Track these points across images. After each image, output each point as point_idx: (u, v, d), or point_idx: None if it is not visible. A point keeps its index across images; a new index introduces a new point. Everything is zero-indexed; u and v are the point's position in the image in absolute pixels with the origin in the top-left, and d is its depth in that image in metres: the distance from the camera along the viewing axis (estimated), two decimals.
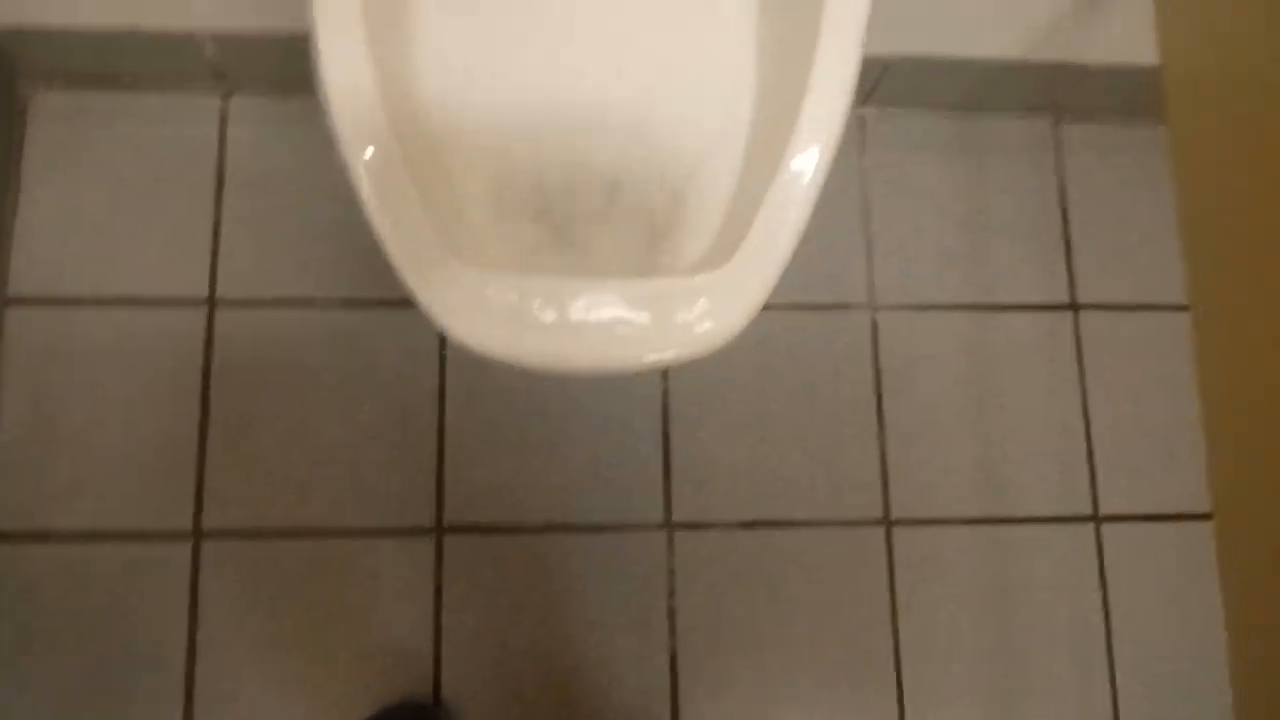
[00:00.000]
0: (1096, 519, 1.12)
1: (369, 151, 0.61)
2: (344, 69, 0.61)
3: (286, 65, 1.03)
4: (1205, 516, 1.12)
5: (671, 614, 1.05)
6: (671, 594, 1.05)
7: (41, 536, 1.00)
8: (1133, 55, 1.05)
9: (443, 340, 1.07)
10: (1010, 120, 1.19)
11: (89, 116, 1.08)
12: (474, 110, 0.72)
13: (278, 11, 0.98)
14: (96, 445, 1.02)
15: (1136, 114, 1.18)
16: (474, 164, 0.71)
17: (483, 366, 1.05)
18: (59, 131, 1.08)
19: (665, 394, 1.09)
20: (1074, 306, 1.16)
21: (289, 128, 1.10)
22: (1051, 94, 1.16)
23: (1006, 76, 1.11)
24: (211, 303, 1.05)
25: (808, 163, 0.63)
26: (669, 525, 1.07)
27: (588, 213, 0.73)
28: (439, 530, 1.04)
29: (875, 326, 1.13)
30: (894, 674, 1.06)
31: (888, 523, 1.09)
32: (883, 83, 1.12)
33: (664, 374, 1.09)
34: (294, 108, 1.10)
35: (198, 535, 1.02)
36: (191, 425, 1.03)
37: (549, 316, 0.61)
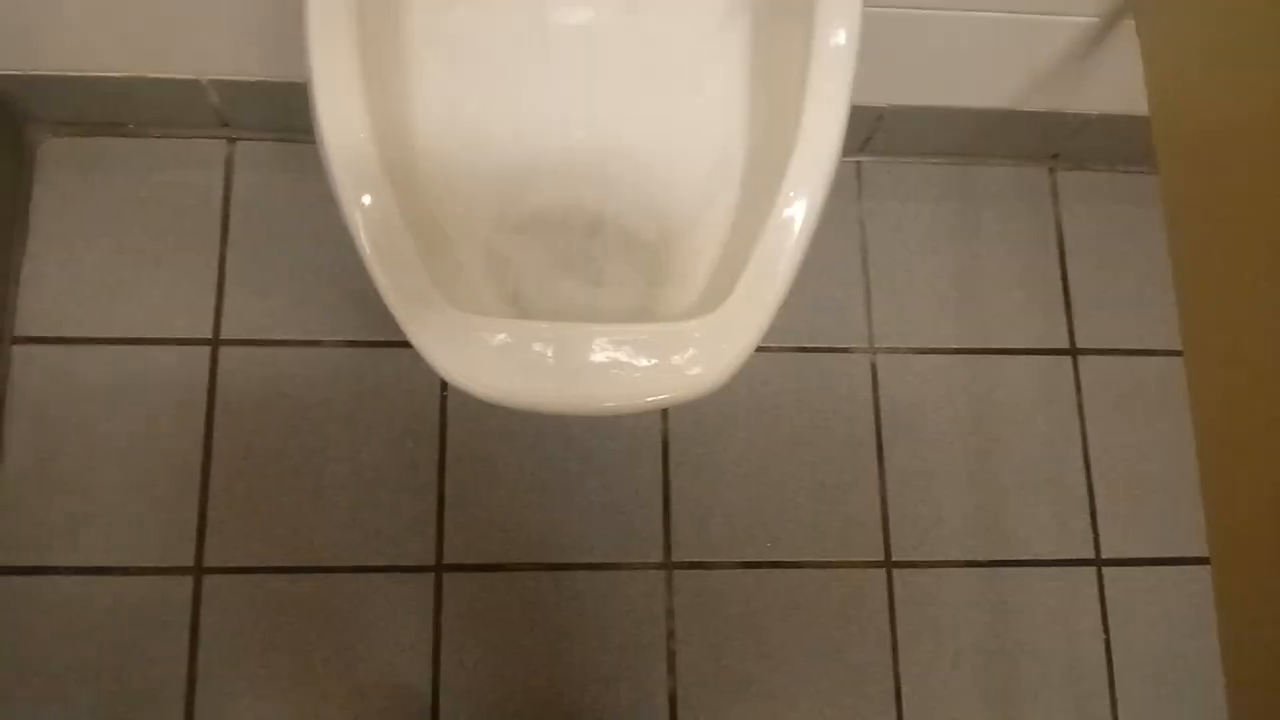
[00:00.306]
0: (1098, 562, 1.12)
1: (366, 200, 0.62)
2: (341, 121, 0.63)
3: (291, 110, 1.05)
4: (1207, 561, 1.12)
5: (671, 655, 1.05)
6: (671, 635, 1.05)
7: (44, 571, 1.01)
8: (1128, 105, 1.07)
9: (444, 381, 1.08)
10: (1006, 167, 1.21)
11: (96, 162, 1.10)
12: (470, 159, 0.74)
13: (281, 59, 1.00)
14: (100, 482, 1.03)
15: (1133, 161, 1.20)
16: (470, 211, 0.73)
17: (483, 406, 1.05)
18: (67, 176, 1.10)
19: (665, 434, 1.09)
20: (1073, 351, 1.16)
21: (294, 172, 1.12)
22: (1047, 142, 1.17)
23: (1003, 124, 1.13)
24: (215, 342, 1.07)
25: (798, 212, 0.65)
26: (669, 565, 1.07)
27: (581, 258, 0.74)
28: (439, 568, 1.04)
29: (875, 369, 1.14)
30: (895, 717, 1.06)
31: (889, 564, 1.09)
32: (879, 131, 1.13)
33: (664, 414, 1.10)
34: (299, 152, 1.12)
35: (199, 571, 1.02)
36: (194, 463, 1.04)
37: (543, 360, 0.62)
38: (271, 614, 1.01)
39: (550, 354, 0.63)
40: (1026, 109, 1.09)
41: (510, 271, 0.72)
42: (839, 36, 0.67)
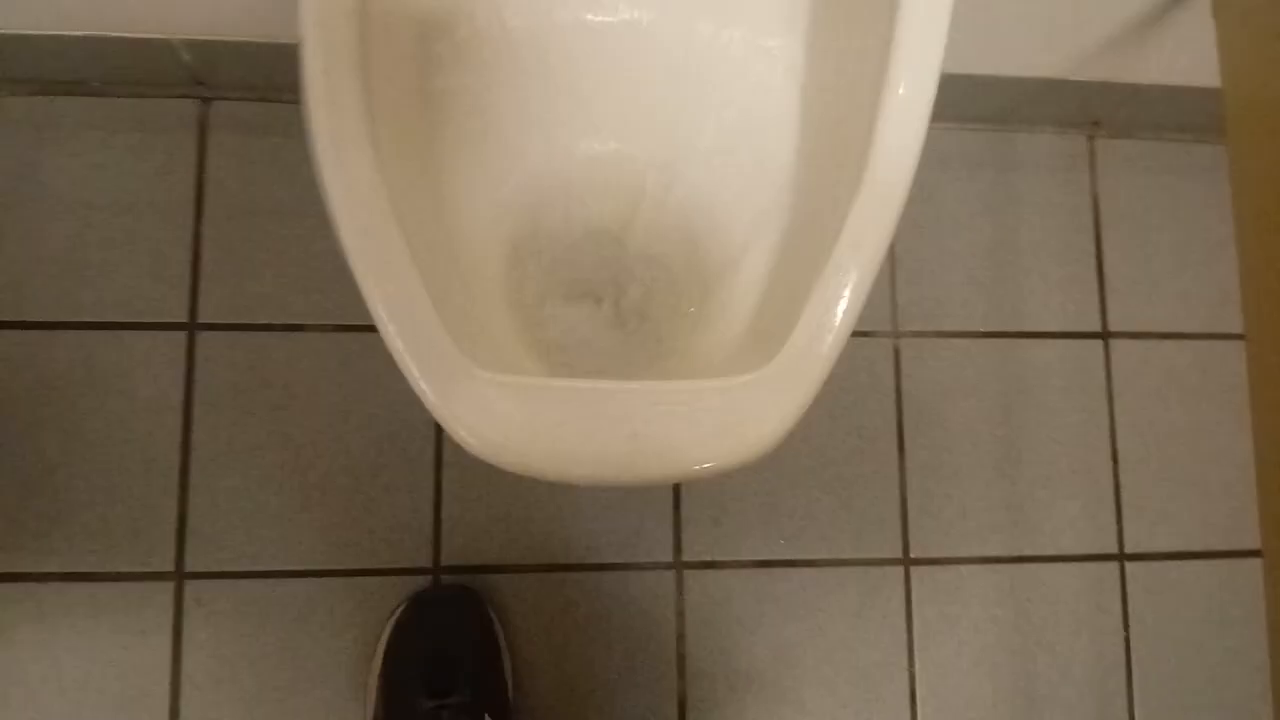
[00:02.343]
0: (1121, 557, 1.07)
1: (380, 262, 0.54)
2: (350, 177, 0.54)
3: (272, 69, 0.96)
4: (1234, 554, 1.08)
5: (681, 658, 1.00)
6: (681, 637, 1.01)
7: (15, 577, 0.94)
8: (1185, 77, 0.98)
9: None
10: (1044, 135, 1.13)
11: (57, 123, 1.00)
12: (496, 201, 0.65)
13: (263, 18, 0.89)
14: (71, 480, 0.95)
15: (1179, 129, 1.12)
16: (493, 258, 0.64)
17: None
18: (26, 139, 0.99)
19: None
20: (1104, 334, 1.10)
21: (276, 135, 1.01)
22: (1090, 109, 1.09)
23: (1047, 92, 1.04)
24: (192, 326, 0.98)
25: (862, 250, 0.57)
26: (679, 565, 1.01)
27: (611, 314, 0.66)
28: (436, 570, 0.98)
29: (898, 354, 1.07)
30: (909, 719, 1.02)
31: (907, 562, 1.04)
32: None
33: None
34: (280, 113, 1.02)
35: (180, 576, 0.96)
36: (172, 457, 0.97)
37: (576, 425, 0.55)
38: (258, 622, 0.95)
39: (583, 419, 0.56)
40: (1074, 79, 1.01)
41: (540, 326, 0.65)
42: (925, 51, 0.58)
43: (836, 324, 0.58)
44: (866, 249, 0.58)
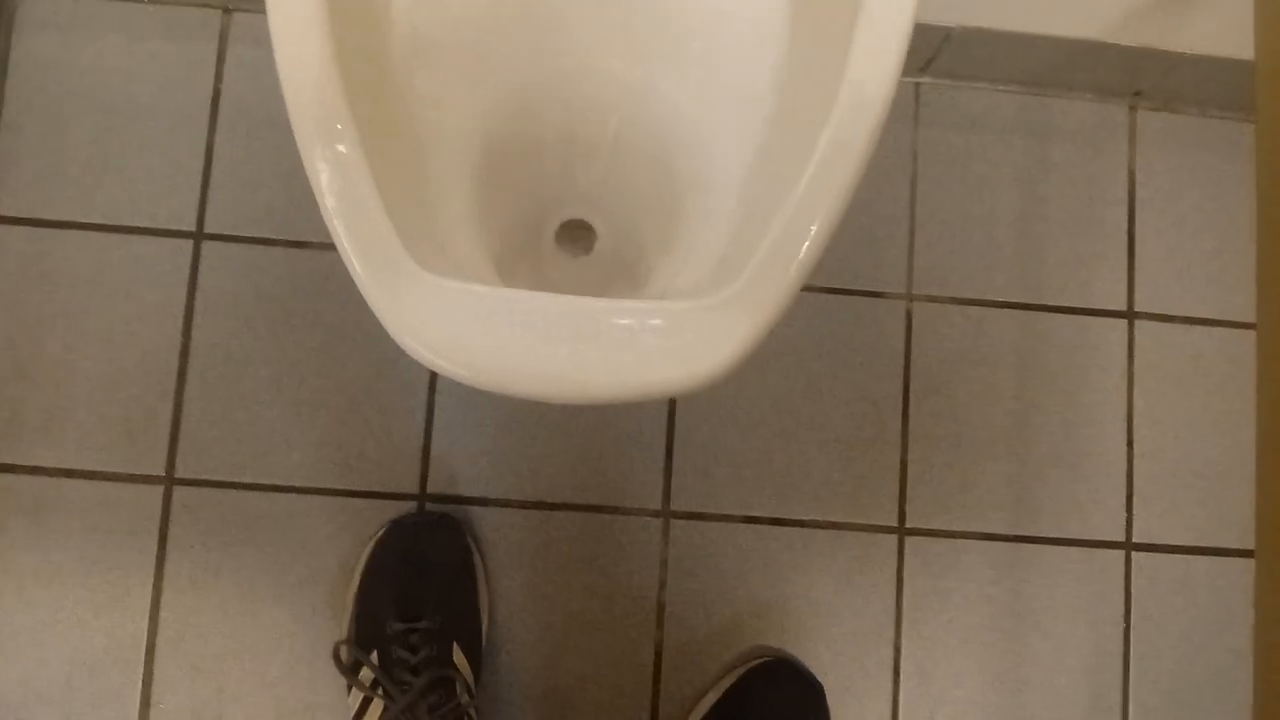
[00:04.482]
0: (1128, 546, 1.04)
1: (329, 143, 0.53)
2: (298, 52, 0.53)
3: None
4: (1246, 553, 1.04)
5: (661, 606, 0.99)
6: (663, 585, 0.99)
7: (11, 469, 0.96)
8: (1234, 48, 0.94)
9: None
10: (1082, 102, 1.08)
11: (82, 26, 1.01)
12: (463, 116, 0.64)
13: None
14: (73, 376, 0.97)
15: (1225, 106, 1.07)
16: (459, 175, 0.63)
17: None
18: (49, 40, 1.00)
19: None
20: (1129, 314, 1.06)
21: None
22: (1132, 77, 1.04)
23: (1086, 55, 1.00)
24: (199, 235, 0.99)
25: (835, 171, 0.55)
26: (666, 514, 1.00)
27: (578, 236, 0.65)
28: (422, 497, 0.98)
29: (910, 318, 1.04)
30: (891, 691, 1.00)
31: (902, 530, 1.02)
32: (944, 52, 1.01)
33: None
34: None
35: (170, 481, 0.97)
36: (170, 364, 0.98)
37: (519, 336, 0.54)
38: (243, 531, 0.96)
39: (539, 330, 0.55)
40: (1116, 42, 0.96)
41: (503, 235, 0.63)
42: None
43: (800, 254, 0.56)
44: (836, 178, 0.55)
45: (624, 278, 0.65)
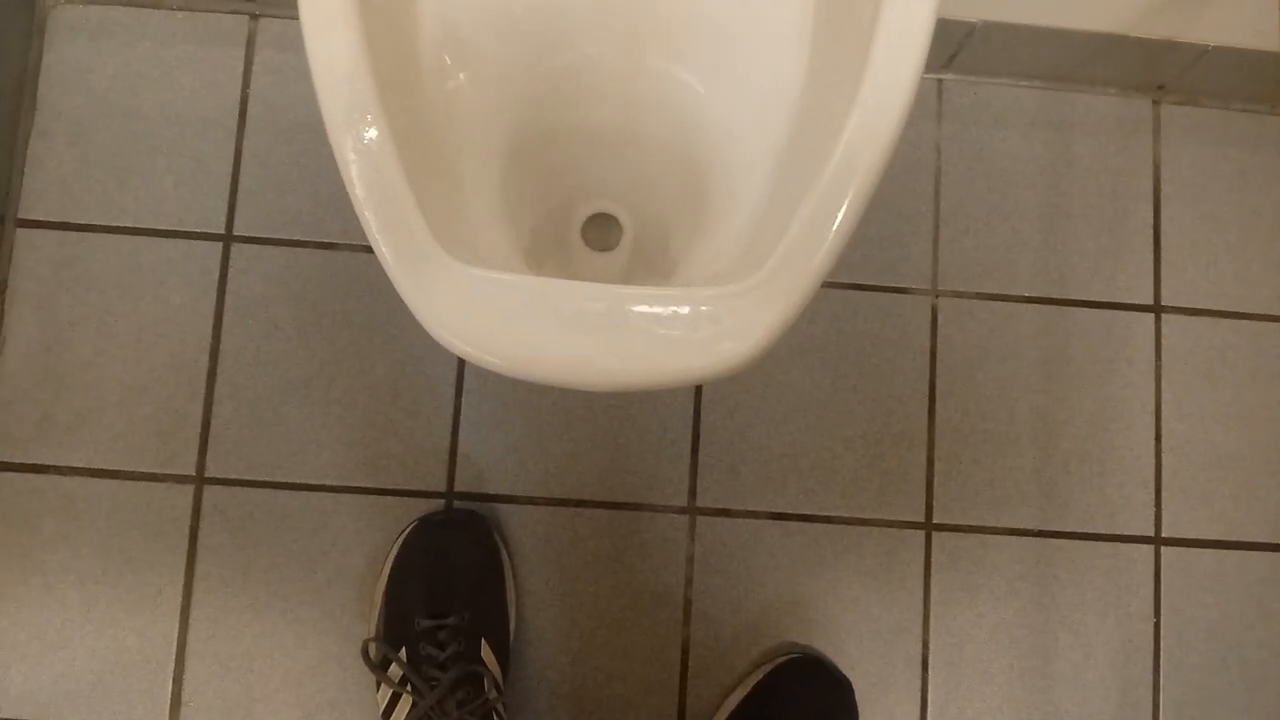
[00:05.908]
0: (1158, 540, 1.03)
1: (359, 134, 0.54)
2: (330, 44, 0.54)
3: None
4: (1275, 547, 1.03)
5: (688, 603, 0.99)
6: (689, 582, 0.99)
7: (42, 469, 0.97)
8: (1260, 39, 0.93)
9: None
10: (1106, 96, 1.08)
11: (111, 32, 1.02)
12: (490, 108, 0.64)
13: None
14: (103, 378, 0.98)
15: (1251, 99, 1.07)
16: (488, 167, 0.64)
17: None
18: (80, 47, 1.02)
19: None
20: (1157, 308, 1.06)
21: None
22: (1155, 70, 1.04)
23: (1110, 49, 1.00)
24: (228, 238, 1.00)
25: (860, 161, 0.55)
26: (692, 510, 1.00)
27: (605, 227, 0.65)
28: (449, 495, 0.99)
29: (936, 313, 1.04)
30: (919, 687, 1.00)
31: (929, 526, 1.02)
32: (967, 48, 1.01)
33: None
34: None
35: (200, 481, 0.97)
36: (200, 365, 0.99)
37: (545, 323, 0.54)
38: (272, 531, 0.97)
39: (564, 318, 0.55)
40: (1139, 35, 0.96)
41: (530, 224, 0.64)
42: None
43: (827, 241, 0.56)
44: (861, 166, 0.56)
45: (650, 271, 0.66)
